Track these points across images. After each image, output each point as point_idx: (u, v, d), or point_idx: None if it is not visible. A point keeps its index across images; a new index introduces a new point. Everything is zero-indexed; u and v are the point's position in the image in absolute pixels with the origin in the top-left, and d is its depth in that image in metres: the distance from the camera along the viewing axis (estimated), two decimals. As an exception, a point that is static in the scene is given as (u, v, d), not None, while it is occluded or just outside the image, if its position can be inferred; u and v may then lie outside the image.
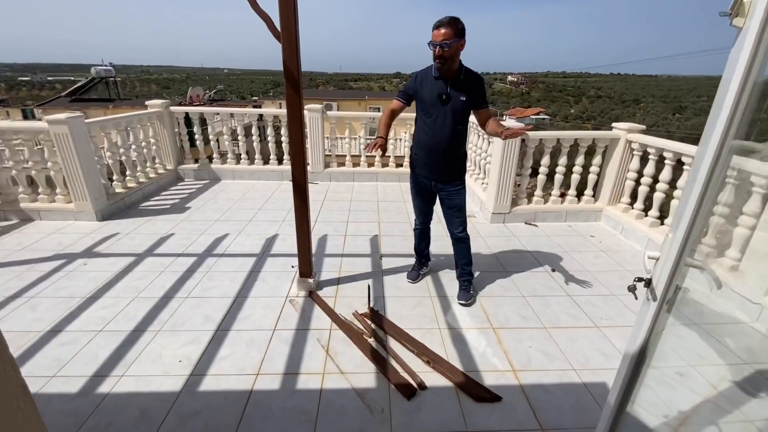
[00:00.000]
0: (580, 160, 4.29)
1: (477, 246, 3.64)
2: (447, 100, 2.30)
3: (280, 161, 5.83)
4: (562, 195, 4.51)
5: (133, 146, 4.88)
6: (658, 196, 3.73)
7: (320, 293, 2.77)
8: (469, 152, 5.44)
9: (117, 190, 4.52)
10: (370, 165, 5.89)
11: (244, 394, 1.90)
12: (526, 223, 4.30)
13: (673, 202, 3.61)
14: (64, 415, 1.76)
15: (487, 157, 4.62)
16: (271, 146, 5.74)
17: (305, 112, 4.55)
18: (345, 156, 5.84)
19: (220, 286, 2.86)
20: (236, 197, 4.93)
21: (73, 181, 3.95)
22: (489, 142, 4.58)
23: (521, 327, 2.48)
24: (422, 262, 3.04)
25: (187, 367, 2.06)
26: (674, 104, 76.44)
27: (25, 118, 29.65)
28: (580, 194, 4.49)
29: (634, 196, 4.11)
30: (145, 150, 5.11)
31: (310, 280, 2.75)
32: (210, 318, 2.48)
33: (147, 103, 5.37)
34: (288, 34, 2.10)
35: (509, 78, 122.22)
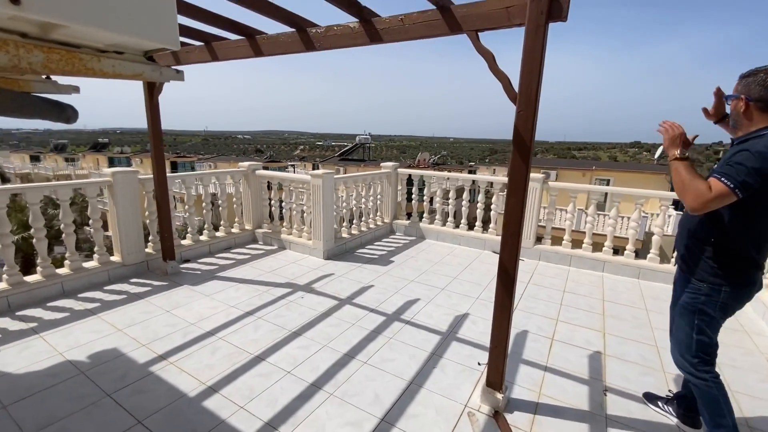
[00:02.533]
0: None
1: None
2: None
3: (485, 227, 5.48)
4: None
5: (363, 199, 5.64)
6: None
7: (508, 418, 2.09)
8: None
9: (343, 235, 5.23)
10: (597, 249, 4.70)
11: None
12: None
13: None
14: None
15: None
16: (480, 212, 5.49)
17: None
18: (563, 231, 4.92)
19: (399, 359, 2.62)
20: (435, 259, 4.84)
21: (315, 223, 4.80)
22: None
23: None
24: None
25: (342, 455, 1.81)
26: None
27: (313, 168, 41.96)
28: None
29: None
30: (371, 203, 5.82)
31: (499, 395, 2.12)
32: (379, 399, 2.22)
33: (381, 165, 6.20)
34: (526, 96, 1.76)
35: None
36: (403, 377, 2.43)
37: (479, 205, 5.55)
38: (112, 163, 33.83)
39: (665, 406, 2.17)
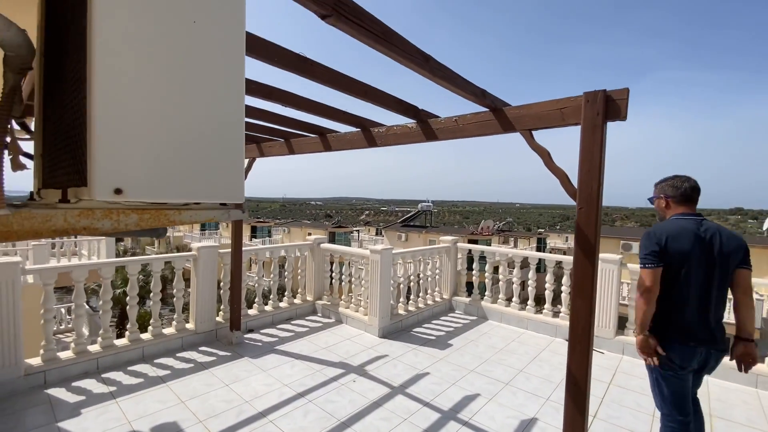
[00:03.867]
0: None
1: None
2: None
3: (554, 309, 4.98)
4: None
5: (421, 274, 5.56)
6: None
7: None
8: None
9: (399, 311, 5.12)
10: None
11: None
12: None
13: None
14: None
15: None
16: (549, 287, 5.05)
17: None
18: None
19: (453, 470, 2.33)
20: (499, 345, 4.45)
21: (371, 298, 4.80)
22: None
23: None
24: None
25: None
26: None
27: (377, 234, 43.13)
28: None
29: None
30: (429, 279, 5.71)
31: None
32: None
33: (440, 238, 6.17)
34: (587, 193, 1.69)
35: None
36: (458, 496, 2.13)
37: (548, 279, 5.11)
38: (254, 232, 33.06)
39: None
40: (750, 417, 3.05)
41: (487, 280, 5.73)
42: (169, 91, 0.61)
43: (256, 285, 5.09)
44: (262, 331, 4.74)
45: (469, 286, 6.04)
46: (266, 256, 5.28)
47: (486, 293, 5.68)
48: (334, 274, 5.78)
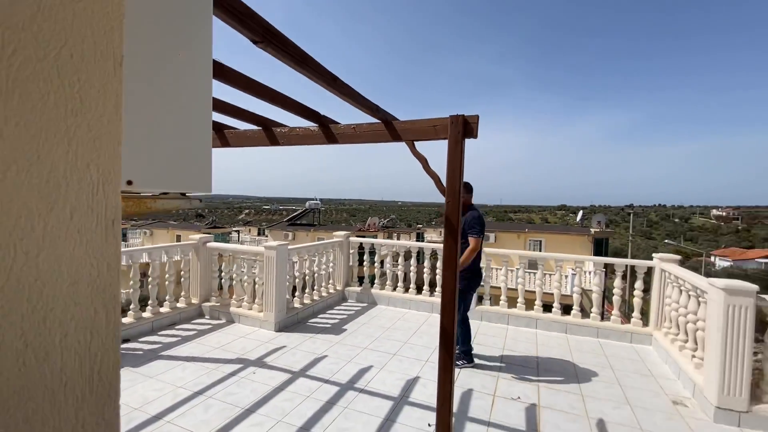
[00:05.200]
0: None
1: (696, 459, 2.47)
2: None
3: (432, 290, 5.86)
4: None
5: (315, 268, 5.81)
6: None
7: (458, 474, 2.26)
8: (666, 308, 4.29)
9: (295, 305, 5.28)
10: (529, 304, 5.25)
11: None
12: (787, 438, 2.77)
13: None
14: None
15: (698, 322, 3.48)
16: (427, 276, 5.90)
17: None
18: (499, 289, 5.43)
19: (354, 428, 2.71)
20: (387, 325, 5.04)
21: (267, 294, 4.85)
22: (699, 302, 3.50)
23: None
24: None
25: None
26: None
27: (259, 234, 40.87)
28: None
29: None
30: (323, 272, 6.00)
31: (448, 453, 2.31)
32: (336, 469, 2.28)
33: (334, 233, 6.52)
34: (452, 189, 2.26)
35: (714, 212, 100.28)
36: (359, 446, 2.52)
37: (426, 270, 5.96)
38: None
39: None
40: (561, 352, 4.26)
41: (376, 270, 6.33)
42: (161, 103, 0.80)
43: (131, 290, 4.59)
44: (140, 339, 4.33)
45: (361, 279, 6.56)
46: (143, 259, 4.79)
47: (375, 282, 6.27)
48: (223, 274, 5.58)
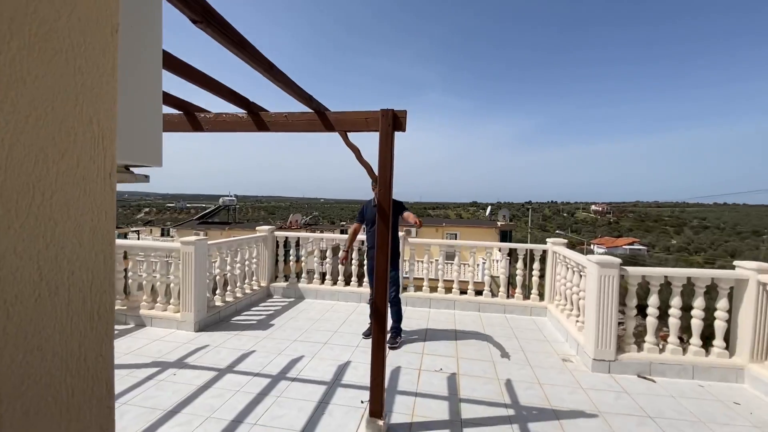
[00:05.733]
0: (699, 302, 3.66)
1: (578, 401, 3.04)
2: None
3: (360, 282, 6.03)
4: (680, 339, 3.75)
5: (238, 264, 5.55)
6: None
7: (391, 440, 2.46)
8: (557, 284, 5.07)
9: (216, 303, 5.01)
10: (448, 291, 5.75)
11: None
12: (639, 377, 3.55)
13: None
14: None
15: (580, 292, 4.22)
16: (354, 268, 6.05)
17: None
18: (422, 279, 5.85)
19: (288, 415, 2.74)
20: (316, 317, 5.07)
21: (185, 294, 4.52)
22: (581, 276, 4.24)
23: None
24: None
25: None
26: (812, 237, 64.34)
27: (162, 235, 36.82)
28: (706, 344, 3.68)
29: (789, 355, 3.23)
30: (246, 268, 5.76)
31: (380, 422, 2.49)
32: (273, 454, 2.31)
33: (257, 228, 6.29)
34: (384, 178, 2.43)
35: (593, 207, 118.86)
36: (294, 429, 2.57)
37: (354, 262, 6.12)
38: None
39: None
40: (475, 327, 4.77)
41: (303, 266, 6.28)
42: (124, 82, 0.80)
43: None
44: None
45: (287, 277, 6.43)
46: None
47: (303, 276, 6.22)
48: (129, 274, 5.03)
